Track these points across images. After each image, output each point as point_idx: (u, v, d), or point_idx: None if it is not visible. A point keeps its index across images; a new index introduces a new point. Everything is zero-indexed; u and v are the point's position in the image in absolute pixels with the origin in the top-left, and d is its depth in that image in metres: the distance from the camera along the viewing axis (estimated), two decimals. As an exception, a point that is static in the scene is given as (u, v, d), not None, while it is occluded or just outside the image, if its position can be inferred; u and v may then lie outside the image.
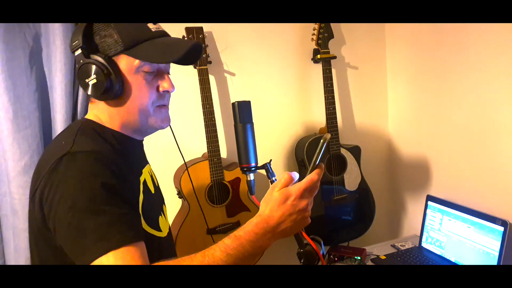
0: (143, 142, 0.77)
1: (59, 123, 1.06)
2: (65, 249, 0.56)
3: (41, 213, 0.58)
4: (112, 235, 0.53)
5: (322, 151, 0.60)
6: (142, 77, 0.64)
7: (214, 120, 1.22)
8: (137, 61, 0.63)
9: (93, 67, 0.61)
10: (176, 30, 1.13)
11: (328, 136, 0.60)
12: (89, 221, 0.53)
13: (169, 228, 0.78)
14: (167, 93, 0.68)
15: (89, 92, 0.63)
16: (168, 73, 0.70)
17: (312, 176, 0.58)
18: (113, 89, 0.62)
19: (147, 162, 0.79)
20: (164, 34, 0.67)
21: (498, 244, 1.07)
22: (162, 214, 0.76)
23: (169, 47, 0.64)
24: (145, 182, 0.71)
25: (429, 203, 1.30)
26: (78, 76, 0.63)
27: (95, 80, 0.61)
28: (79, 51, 0.62)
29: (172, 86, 0.68)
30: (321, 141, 0.59)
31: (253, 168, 0.75)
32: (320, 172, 0.59)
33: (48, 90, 1.07)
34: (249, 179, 0.77)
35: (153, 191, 0.73)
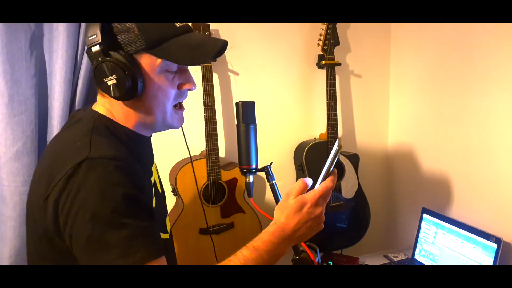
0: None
1: (57, 111, 1.04)
2: (83, 262, 0.53)
3: (55, 222, 0.53)
4: (135, 251, 0.50)
5: (337, 157, 0.59)
6: (164, 76, 0.60)
7: (215, 118, 1.21)
8: (159, 60, 0.59)
9: (113, 66, 0.56)
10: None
11: (341, 142, 0.60)
12: (112, 234, 0.50)
13: (169, 223, 0.76)
14: (187, 90, 0.65)
15: (108, 92, 0.58)
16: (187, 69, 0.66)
17: (327, 183, 0.58)
18: (134, 90, 0.57)
19: (154, 158, 0.75)
20: (188, 29, 0.62)
21: (490, 261, 1.07)
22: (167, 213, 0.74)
23: (197, 47, 0.60)
24: (155, 183, 0.68)
25: (424, 215, 1.30)
26: (95, 75, 0.58)
27: (115, 81, 0.56)
28: (97, 47, 0.56)
29: (194, 84, 0.64)
30: (336, 148, 0.59)
31: (253, 170, 0.74)
32: (334, 179, 0.59)
33: (47, 76, 1.05)
34: (248, 181, 0.76)
35: (160, 190, 0.71)
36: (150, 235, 0.53)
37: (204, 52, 0.60)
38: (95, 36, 0.56)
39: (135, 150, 0.63)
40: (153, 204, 0.62)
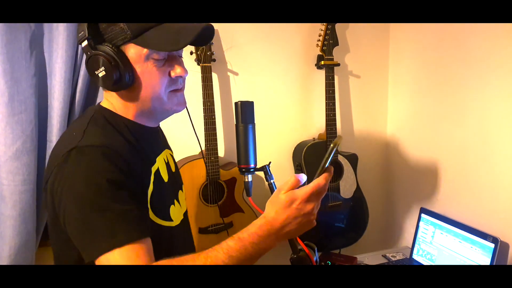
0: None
1: (56, 111, 1.04)
2: (74, 242, 0.57)
3: (52, 204, 0.59)
4: (117, 233, 0.53)
5: (332, 155, 0.58)
6: (152, 64, 0.62)
7: (214, 118, 1.21)
8: (145, 49, 0.61)
9: (101, 59, 0.60)
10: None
11: (340, 140, 0.59)
12: (95, 217, 0.54)
13: (184, 215, 0.77)
14: (180, 77, 0.66)
15: (100, 84, 0.62)
16: (181, 56, 0.68)
17: (319, 180, 0.57)
18: (122, 80, 0.61)
19: (164, 148, 0.77)
20: None
21: (488, 261, 1.07)
22: (176, 202, 0.74)
23: (178, 32, 0.61)
24: (157, 171, 0.69)
25: (423, 215, 1.30)
26: (87, 68, 0.62)
27: (104, 72, 0.60)
28: (85, 42, 0.60)
29: (185, 71, 0.66)
30: (331, 145, 0.58)
31: (252, 169, 0.74)
32: (328, 176, 0.58)
33: (47, 76, 1.05)
34: (246, 180, 0.76)
35: (166, 179, 0.72)
36: (133, 218, 0.55)
37: (185, 36, 0.60)
38: (83, 32, 0.60)
39: (135, 140, 0.65)
40: (149, 191, 0.64)
